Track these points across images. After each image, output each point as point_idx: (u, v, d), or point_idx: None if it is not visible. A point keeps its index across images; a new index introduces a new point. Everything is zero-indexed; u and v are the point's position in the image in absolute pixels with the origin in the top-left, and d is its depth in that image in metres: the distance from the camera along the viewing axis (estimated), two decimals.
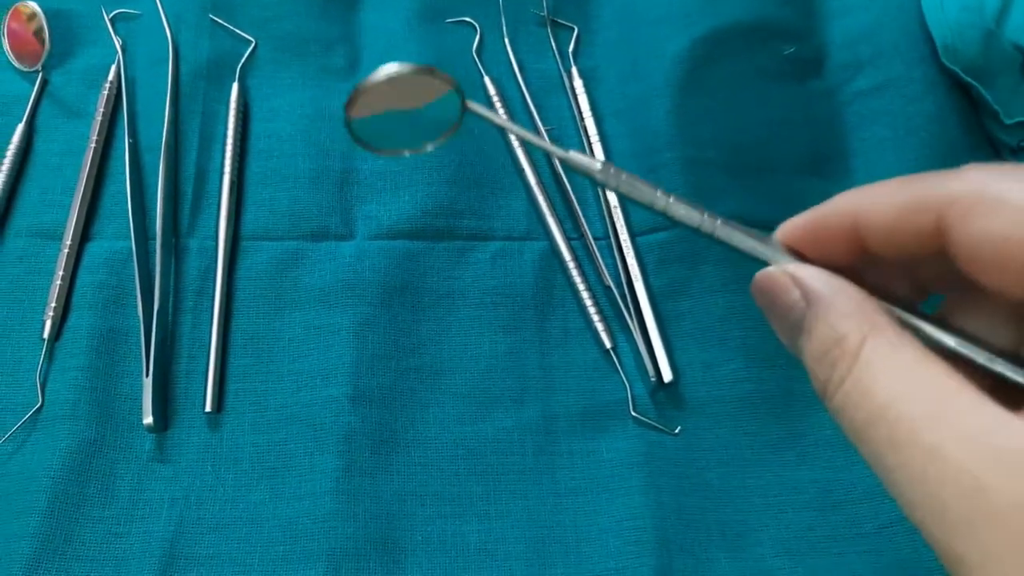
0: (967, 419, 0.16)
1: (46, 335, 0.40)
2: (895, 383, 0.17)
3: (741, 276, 0.42)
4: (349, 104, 0.23)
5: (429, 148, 0.25)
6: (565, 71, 0.48)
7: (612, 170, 0.22)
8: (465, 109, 0.24)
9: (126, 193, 0.42)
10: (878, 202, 0.20)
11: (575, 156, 0.23)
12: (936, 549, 0.16)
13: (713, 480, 0.39)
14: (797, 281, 0.20)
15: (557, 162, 0.45)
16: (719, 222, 0.22)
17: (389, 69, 0.23)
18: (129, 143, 0.44)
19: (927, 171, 0.20)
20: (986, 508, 0.15)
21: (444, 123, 0.24)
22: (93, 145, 0.44)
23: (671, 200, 0.22)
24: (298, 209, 0.44)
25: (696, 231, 0.22)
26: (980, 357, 0.19)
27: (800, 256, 0.22)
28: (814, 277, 0.20)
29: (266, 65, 0.48)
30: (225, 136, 0.45)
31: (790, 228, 0.22)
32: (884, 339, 0.18)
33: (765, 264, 0.22)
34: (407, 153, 0.25)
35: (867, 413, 0.18)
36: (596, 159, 0.23)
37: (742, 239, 0.22)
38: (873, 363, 0.18)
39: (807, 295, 0.20)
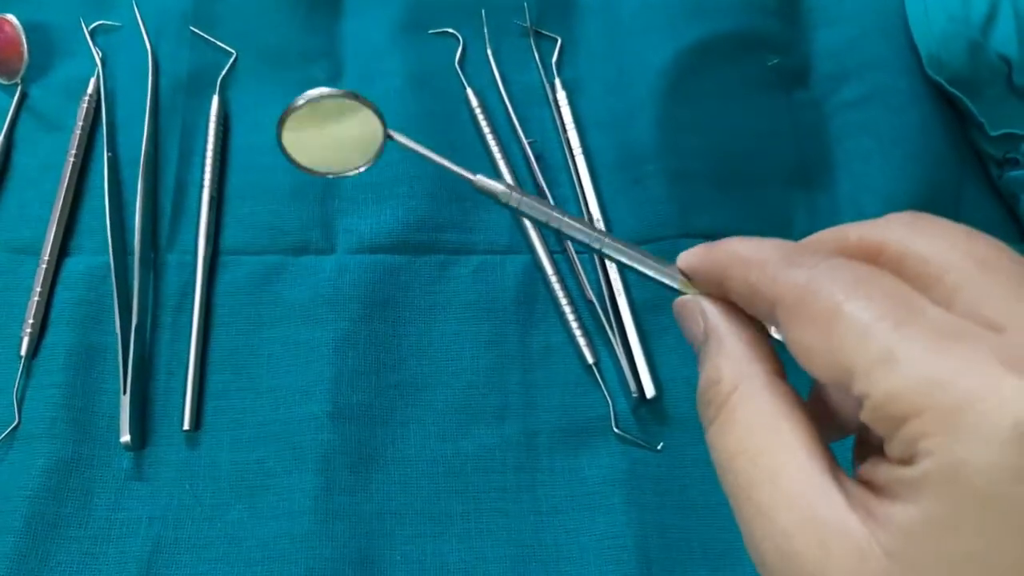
0: (795, 485, 0.17)
1: (23, 352, 0.40)
2: (744, 437, 0.19)
3: None
4: (280, 123, 0.26)
5: (358, 170, 0.28)
6: (548, 82, 0.48)
7: (514, 193, 0.25)
8: (388, 137, 0.27)
9: (105, 207, 0.42)
10: (736, 272, 0.20)
11: (481, 180, 0.25)
12: None
13: (696, 497, 0.39)
14: (702, 313, 0.21)
15: (540, 176, 0.45)
16: (607, 240, 0.24)
17: (314, 92, 0.25)
18: (108, 156, 0.44)
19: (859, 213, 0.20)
20: (796, 571, 0.17)
21: (369, 147, 0.27)
22: (72, 159, 0.44)
23: (564, 219, 0.24)
24: (278, 223, 0.43)
25: (588, 248, 0.24)
26: None
27: (694, 286, 0.23)
28: (716, 313, 0.21)
29: (247, 77, 0.47)
30: (205, 149, 0.44)
31: (685, 258, 0.23)
32: (751, 390, 0.19)
33: (664, 285, 0.23)
34: (333, 175, 0.28)
35: (719, 458, 0.19)
36: (500, 182, 0.25)
37: (635, 258, 0.23)
38: (734, 412, 0.19)
39: (707, 329, 0.21)
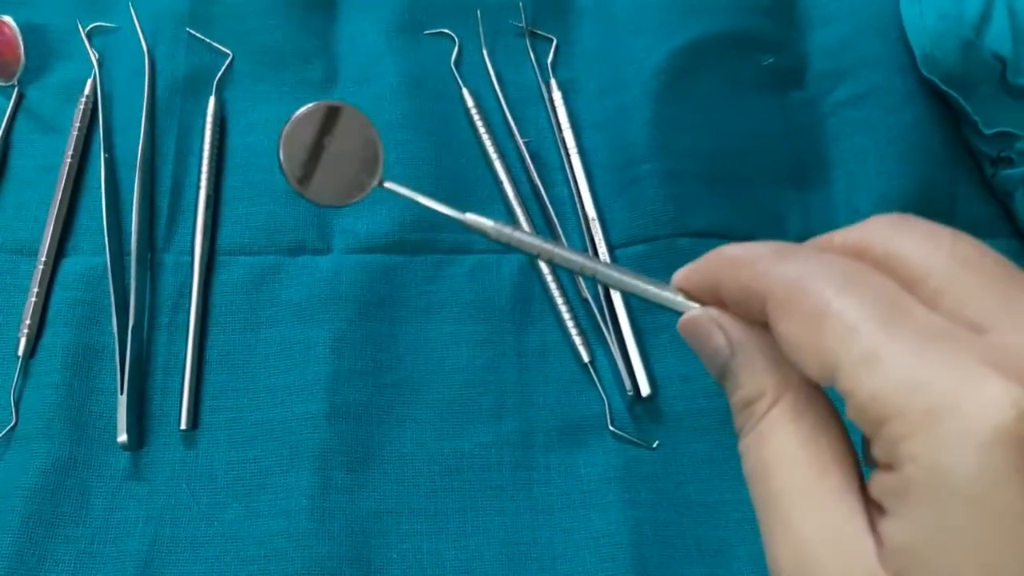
0: (818, 503, 0.18)
1: (21, 352, 0.40)
2: (780, 451, 0.19)
3: None
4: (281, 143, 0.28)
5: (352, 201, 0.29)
6: (544, 83, 0.48)
7: (504, 229, 0.26)
8: (380, 185, 0.28)
9: (102, 208, 0.42)
10: (728, 276, 0.20)
11: (471, 218, 0.26)
12: None
13: (691, 495, 0.39)
14: (722, 328, 0.21)
15: (536, 176, 0.45)
16: (601, 268, 0.24)
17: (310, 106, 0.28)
18: (105, 158, 0.44)
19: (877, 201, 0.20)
20: None
21: (361, 185, 0.28)
22: (69, 160, 0.44)
23: (555, 250, 0.25)
24: (275, 223, 0.43)
25: (580, 275, 0.24)
26: None
27: (697, 299, 0.22)
28: (737, 325, 0.21)
29: (243, 78, 0.48)
30: (202, 150, 0.45)
31: (680, 275, 0.23)
32: (791, 405, 0.19)
33: (665, 307, 0.23)
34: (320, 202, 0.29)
35: (753, 467, 0.19)
36: (488, 220, 0.26)
37: (631, 284, 0.23)
38: (774, 424, 0.19)
39: (732, 343, 0.21)
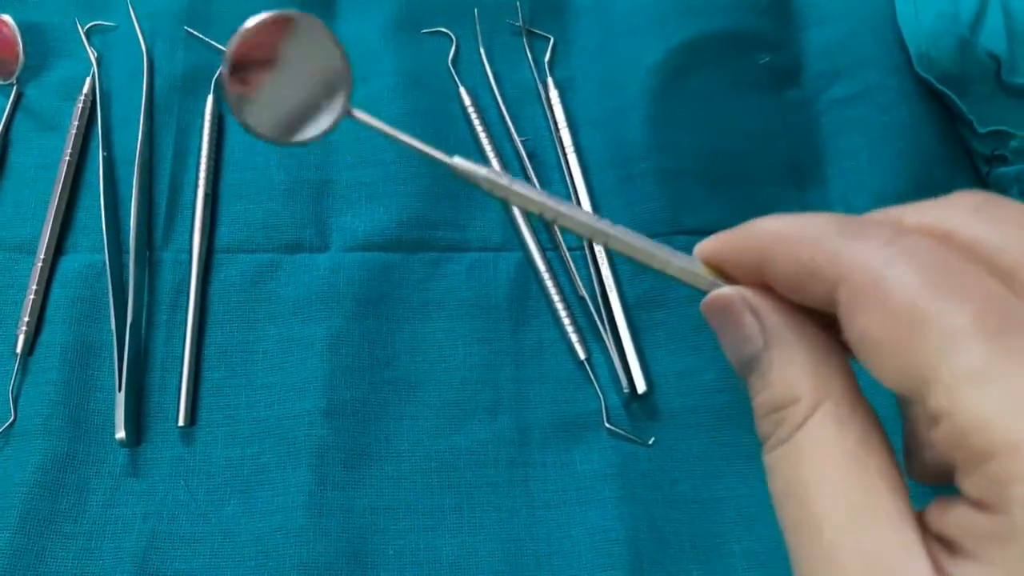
0: (870, 535, 0.15)
1: (19, 349, 0.40)
2: (822, 470, 0.16)
3: None
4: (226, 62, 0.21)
5: (313, 137, 0.23)
6: (541, 81, 0.48)
7: (500, 179, 0.21)
8: (348, 114, 0.23)
9: (100, 206, 0.42)
10: (782, 252, 0.18)
11: (460, 162, 0.22)
12: None
13: (686, 491, 0.39)
14: (756, 313, 0.18)
15: (533, 174, 0.45)
16: (613, 232, 0.20)
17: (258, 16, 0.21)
18: (104, 156, 0.44)
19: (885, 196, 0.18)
20: None
21: (329, 105, 0.23)
22: (67, 158, 0.44)
23: (561, 208, 0.21)
24: (273, 221, 0.43)
25: (591, 240, 0.21)
26: None
27: (724, 275, 0.20)
28: (775, 312, 0.18)
29: None
30: (200, 148, 0.45)
31: (707, 246, 0.20)
32: (833, 415, 0.17)
33: (676, 279, 0.20)
34: (279, 141, 0.23)
35: (786, 486, 0.17)
36: (481, 167, 0.21)
37: (646, 252, 0.20)
38: (814, 438, 0.17)
39: (767, 333, 0.18)
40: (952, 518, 0.15)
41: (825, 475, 0.16)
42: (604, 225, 0.20)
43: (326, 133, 0.23)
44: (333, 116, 0.23)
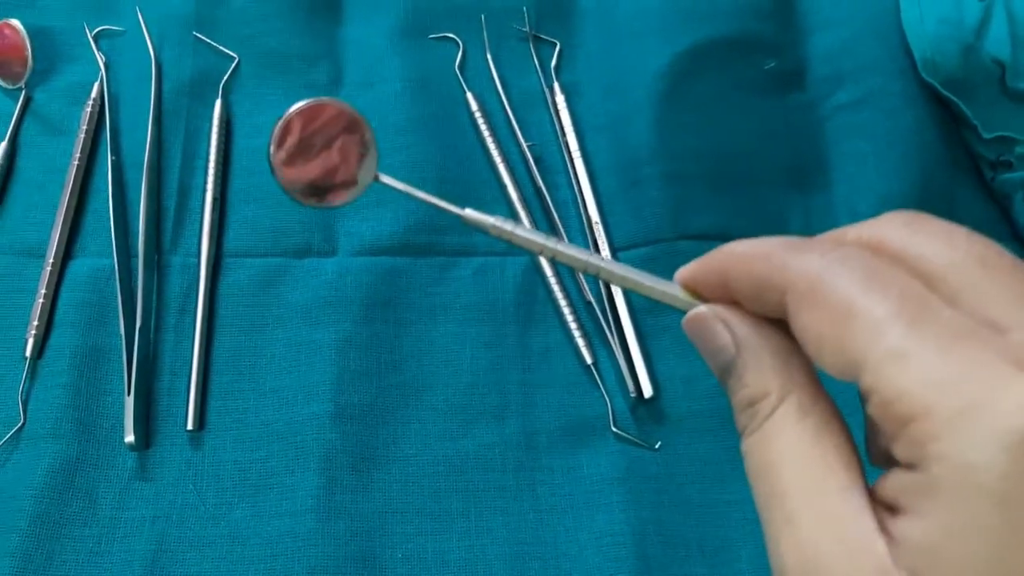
0: (824, 501, 0.18)
1: (28, 353, 0.40)
2: (787, 450, 0.19)
3: None
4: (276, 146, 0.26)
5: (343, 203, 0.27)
6: (547, 86, 0.48)
7: (504, 225, 0.24)
8: (376, 179, 0.27)
9: (109, 210, 0.43)
10: (739, 270, 0.20)
11: (470, 213, 0.25)
12: None
13: (693, 495, 0.39)
14: (727, 326, 0.21)
15: (539, 179, 0.45)
16: (603, 265, 0.23)
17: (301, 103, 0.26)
18: (112, 160, 0.44)
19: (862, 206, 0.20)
20: None
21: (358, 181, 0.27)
22: (76, 162, 0.44)
23: (558, 247, 0.24)
24: (280, 226, 0.44)
25: (582, 272, 0.24)
26: None
27: (700, 296, 0.22)
28: (743, 323, 0.20)
29: (249, 81, 0.48)
30: (208, 153, 0.45)
31: (683, 273, 0.22)
32: (797, 404, 0.19)
33: (669, 304, 0.23)
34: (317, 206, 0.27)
35: (757, 467, 0.19)
36: (488, 216, 0.25)
37: (633, 280, 0.23)
38: (779, 424, 0.19)
39: (737, 341, 0.20)
40: (890, 483, 0.17)
41: (789, 454, 0.19)
42: (596, 259, 0.24)
43: (356, 198, 0.27)
44: (363, 183, 0.27)
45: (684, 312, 0.22)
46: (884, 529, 0.17)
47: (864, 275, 0.17)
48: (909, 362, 0.16)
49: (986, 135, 0.47)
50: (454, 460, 0.39)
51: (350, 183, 0.27)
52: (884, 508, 0.17)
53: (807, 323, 0.18)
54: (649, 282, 0.23)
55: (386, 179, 0.26)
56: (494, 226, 0.24)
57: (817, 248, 0.18)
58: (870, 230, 0.19)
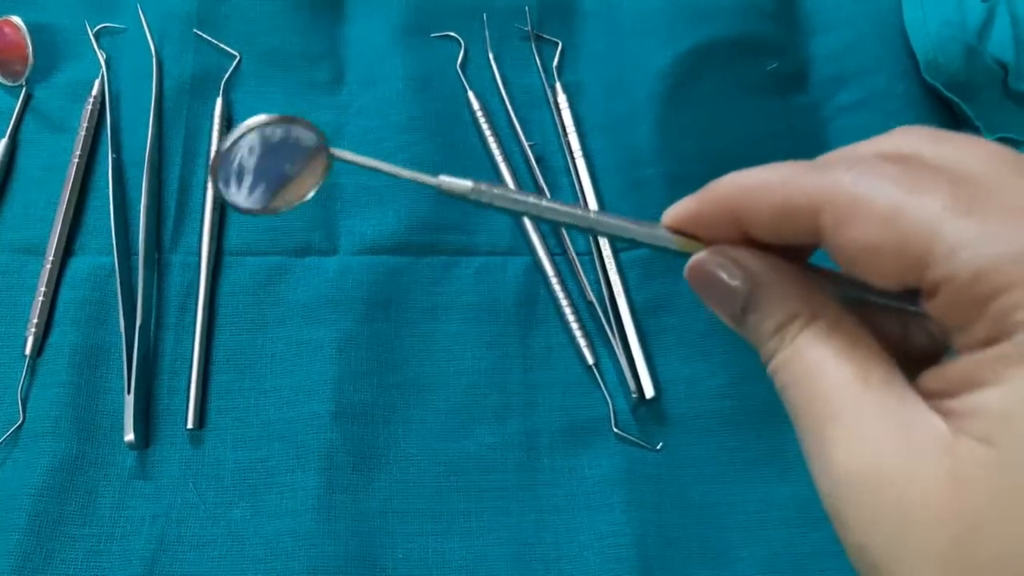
0: (871, 393, 0.18)
1: (28, 351, 0.40)
2: (825, 354, 0.19)
3: None
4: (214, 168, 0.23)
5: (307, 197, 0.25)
6: (549, 86, 0.48)
7: (483, 186, 0.22)
8: (330, 156, 0.24)
9: (109, 208, 0.42)
10: (755, 201, 0.19)
11: (444, 180, 0.23)
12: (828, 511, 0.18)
13: (694, 496, 0.39)
14: (739, 265, 0.20)
15: (541, 179, 0.45)
16: (594, 215, 0.22)
17: (243, 126, 0.22)
18: (112, 158, 0.44)
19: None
20: (880, 481, 0.17)
21: (315, 168, 0.24)
22: (76, 160, 0.44)
23: (541, 203, 0.22)
24: (281, 224, 0.44)
25: (575, 228, 0.23)
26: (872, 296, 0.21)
27: (695, 239, 0.21)
28: (755, 259, 0.20)
29: (250, 79, 0.48)
30: (209, 151, 0.45)
31: (674, 215, 0.22)
32: (829, 319, 0.19)
33: (663, 249, 0.22)
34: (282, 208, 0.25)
35: (792, 377, 0.19)
36: (465, 180, 0.23)
37: (630, 228, 0.22)
38: (814, 335, 0.19)
39: (752, 279, 0.20)
40: (955, 370, 0.17)
41: (827, 358, 0.19)
42: (584, 211, 0.22)
43: (322, 181, 0.24)
44: (319, 166, 0.24)
45: (682, 258, 0.21)
46: (941, 410, 0.17)
47: (906, 178, 0.17)
48: (981, 243, 0.16)
49: (988, 136, 0.47)
50: (455, 460, 0.39)
51: (305, 174, 0.24)
52: (934, 396, 0.17)
53: (854, 236, 0.17)
54: (642, 229, 0.22)
55: (340, 153, 0.24)
56: (473, 189, 0.22)
57: (842, 163, 0.18)
58: (887, 144, 0.19)
